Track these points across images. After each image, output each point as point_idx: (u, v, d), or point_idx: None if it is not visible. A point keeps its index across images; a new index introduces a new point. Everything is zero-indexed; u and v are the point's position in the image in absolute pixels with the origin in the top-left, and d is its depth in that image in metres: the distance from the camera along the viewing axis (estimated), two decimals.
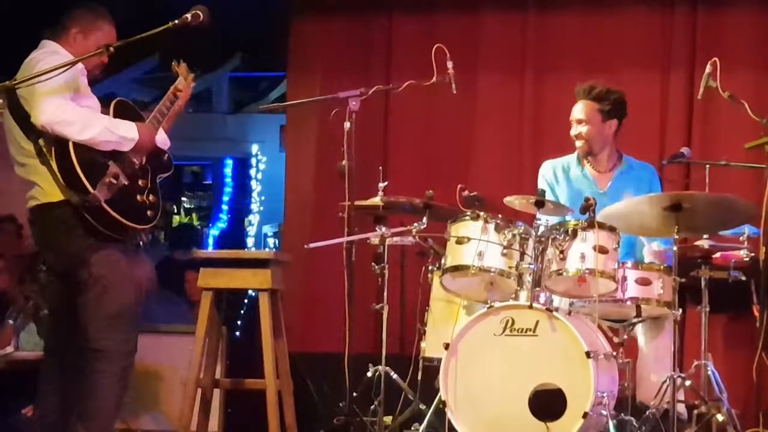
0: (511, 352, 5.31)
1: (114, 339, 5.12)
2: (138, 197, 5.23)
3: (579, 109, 6.21)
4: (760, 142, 5.40)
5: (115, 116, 5.26)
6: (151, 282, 8.00)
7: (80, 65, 5.20)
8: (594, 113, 6.17)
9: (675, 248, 5.48)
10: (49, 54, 5.21)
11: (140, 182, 5.26)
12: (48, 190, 5.11)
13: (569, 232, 5.44)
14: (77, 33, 5.31)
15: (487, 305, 5.43)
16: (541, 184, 6.25)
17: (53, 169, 5.05)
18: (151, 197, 5.28)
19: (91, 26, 5.33)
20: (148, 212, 5.26)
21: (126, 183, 5.15)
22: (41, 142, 5.08)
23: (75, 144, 5.02)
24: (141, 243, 5.44)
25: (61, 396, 5.24)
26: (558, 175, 6.28)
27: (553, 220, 5.83)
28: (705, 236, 5.71)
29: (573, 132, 6.22)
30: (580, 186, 6.22)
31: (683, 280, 5.52)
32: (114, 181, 5.09)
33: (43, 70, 4.95)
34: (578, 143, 6.23)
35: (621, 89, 6.26)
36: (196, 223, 17.37)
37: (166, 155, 5.46)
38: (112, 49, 5.15)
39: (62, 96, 5.02)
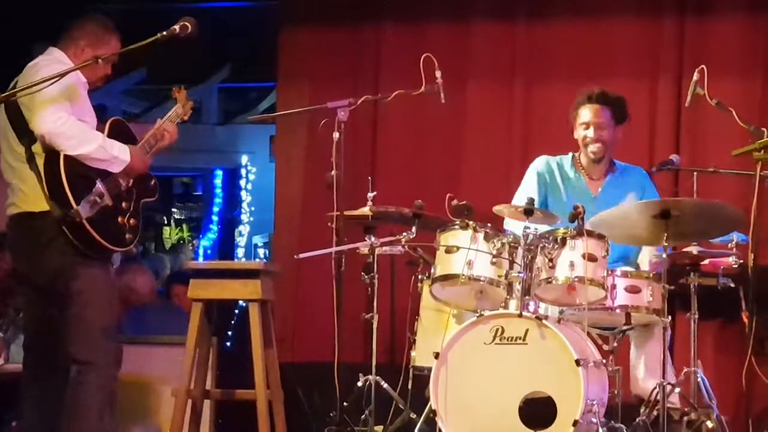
0: (501, 360, 5.31)
1: (99, 351, 5.13)
2: (119, 219, 5.24)
3: (595, 113, 6.15)
4: (747, 149, 5.40)
5: (110, 134, 5.26)
6: (151, 292, 7.99)
7: (82, 78, 5.21)
8: (609, 118, 6.16)
9: (665, 255, 5.49)
10: (53, 62, 5.21)
11: (123, 204, 5.26)
12: (31, 197, 5.10)
13: (558, 240, 5.45)
14: (86, 46, 5.32)
15: (477, 314, 5.44)
16: (531, 176, 6.24)
17: (40, 177, 5.05)
18: (131, 221, 5.29)
19: (99, 41, 5.34)
20: (127, 236, 5.28)
21: (110, 203, 5.15)
22: (34, 148, 5.08)
23: (66, 156, 5.02)
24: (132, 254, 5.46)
25: (41, 410, 5.22)
26: (553, 170, 6.26)
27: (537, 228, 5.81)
28: (694, 243, 5.72)
29: (591, 135, 6.15)
30: (572, 187, 6.21)
31: (672, 287, 5.54)
32: (98, 200, 5.09)
33: (44, 77, 4.92)
34: (594, 147, 6.18)
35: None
36: (186, 234, 17.33)
37: (153, 181, 5.47)
38: (100, 61, 5.16)
39: (62, 106, 5.02)
